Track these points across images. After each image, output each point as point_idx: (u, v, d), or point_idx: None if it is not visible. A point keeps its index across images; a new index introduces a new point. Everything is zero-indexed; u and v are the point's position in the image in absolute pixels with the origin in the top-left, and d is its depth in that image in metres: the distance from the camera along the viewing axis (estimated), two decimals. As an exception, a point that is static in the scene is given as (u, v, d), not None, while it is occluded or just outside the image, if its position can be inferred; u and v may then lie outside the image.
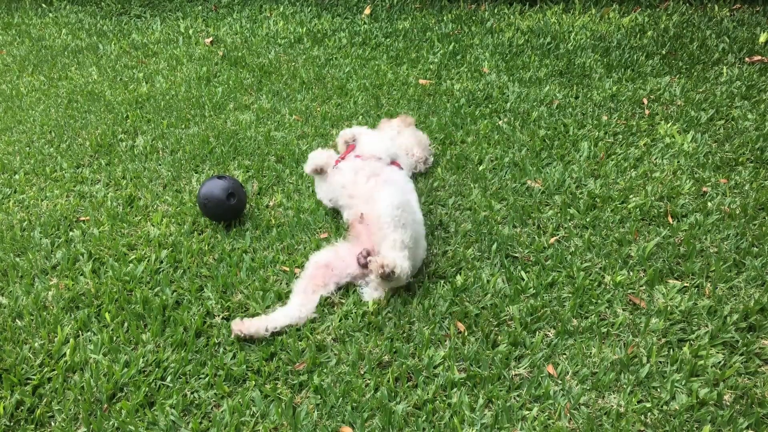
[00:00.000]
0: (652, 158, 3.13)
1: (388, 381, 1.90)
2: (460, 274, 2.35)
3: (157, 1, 7.06)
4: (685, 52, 4.54)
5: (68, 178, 3.20)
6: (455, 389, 1.87)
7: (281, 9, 6.42)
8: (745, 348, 1.96)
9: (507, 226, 2.63)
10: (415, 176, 3.07)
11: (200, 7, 6.73)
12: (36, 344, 2.08)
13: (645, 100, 3.80)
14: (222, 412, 1.83)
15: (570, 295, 2.23)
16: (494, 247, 2.48)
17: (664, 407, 1.79)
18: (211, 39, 5.60)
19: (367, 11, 6.15)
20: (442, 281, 2.33)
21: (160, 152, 3.46)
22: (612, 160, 3.11)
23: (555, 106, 3.81)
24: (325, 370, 1.96)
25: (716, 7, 5.48)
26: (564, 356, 1.98)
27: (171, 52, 5.32)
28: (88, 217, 2.84)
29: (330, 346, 2.06)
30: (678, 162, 3.06)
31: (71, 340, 2.07)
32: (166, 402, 1.85)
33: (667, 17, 5.37)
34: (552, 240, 2.54)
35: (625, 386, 1.85)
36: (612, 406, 1.80)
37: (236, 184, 2.66)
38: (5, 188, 3.13)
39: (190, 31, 5.89)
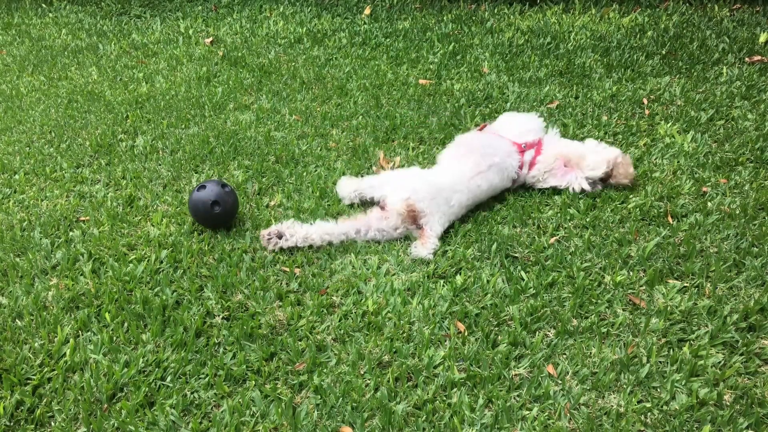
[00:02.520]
0: (652, 158, 3.13)
1: (388, 381, 1.90)
2: (460, 274, 2.35)
3: (157, 1, 7.06)
4: (685, 52, 4.54)
5: (68, 178, 3.20)
6: (455, 389, 1.87)
7: (281, 9, 6.42)
8: (745, 348, 1.96)
9: (507, 226, 2.63)
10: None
11: (200, 7, 6.74)
12: (36, 344, 2.08)
13: (645, 100, 3.80)
14: (222, 412, 1.83)
15: (570, 295, 2.23)
16: (494, 247, 2.48)
17: (664, 407, 1.79)
18: (211, 39, 5.60)
19: (367, 11, 6.15)
20: (442, 281, 2.33)
21: (160, 152, 3.46)
22: (612, 160, 3.11)
23: (555, 106, 3.82)
24: (325, 370, 1.96)
25: (716, 7, 5.48)
26: (564, 356, 1.98)
27: (171, 52, 5.32)
28: (88, 217, 2.84)
29: (330, 346, 2.06)
30: (678, 162, 3.06)
31: (71, 340, 2.07)
32: (166, 402, 1.85)
33: (667, 17, 5.37)
34: (552, 240, 2.54)
35: (625, 386, 1.85)
36: (612, 406, 1.80)
37: (217, 190, 2.57)
38: (5, 188, 3.13)
39: (190, 31, 5.89)
